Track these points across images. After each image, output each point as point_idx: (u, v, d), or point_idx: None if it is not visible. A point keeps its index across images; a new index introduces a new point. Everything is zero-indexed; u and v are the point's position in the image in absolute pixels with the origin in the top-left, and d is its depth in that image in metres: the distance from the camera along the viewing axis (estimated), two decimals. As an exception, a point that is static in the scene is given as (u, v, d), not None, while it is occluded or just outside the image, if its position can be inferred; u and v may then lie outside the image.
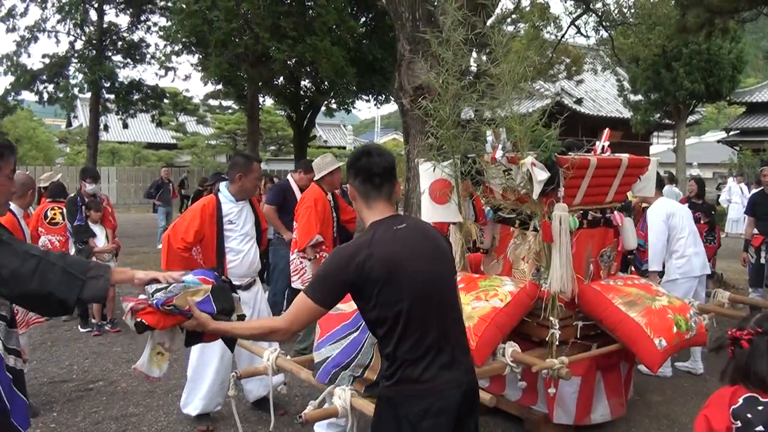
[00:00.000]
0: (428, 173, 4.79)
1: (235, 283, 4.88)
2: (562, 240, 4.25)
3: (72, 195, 8.16)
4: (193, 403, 5.03)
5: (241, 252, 4.98)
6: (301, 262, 6.51)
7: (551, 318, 4.36)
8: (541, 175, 4.15)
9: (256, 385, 5.12)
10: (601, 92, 31.75)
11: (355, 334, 3.58)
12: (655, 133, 35.04)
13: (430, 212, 4.82)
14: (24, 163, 26.91)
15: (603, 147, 4.85)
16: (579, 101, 28.65)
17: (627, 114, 28.21)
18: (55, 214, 8.09)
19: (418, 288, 2.57)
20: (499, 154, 4.38)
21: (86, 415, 5.27)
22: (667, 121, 27.50)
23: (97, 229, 7.89)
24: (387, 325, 2.57)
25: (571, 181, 4.34)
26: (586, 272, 4.70)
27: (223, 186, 5.06)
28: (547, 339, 4.36)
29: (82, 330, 7.73)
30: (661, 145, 38.71)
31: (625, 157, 4.74)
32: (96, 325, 7.81)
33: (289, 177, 7.48)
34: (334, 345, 3.69)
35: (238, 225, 4.97)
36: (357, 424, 3.47)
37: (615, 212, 4.84)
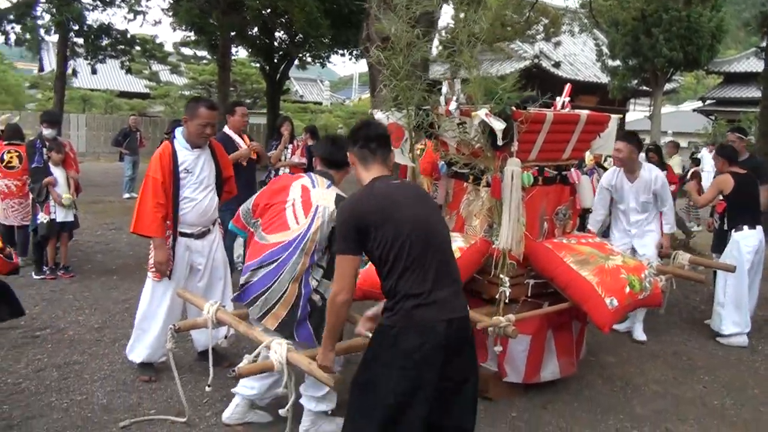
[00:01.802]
0: (383, 122, 4.65)
1: (186, 231, 4.78)
2: (513, 196, 4.14)
3: (32, 138, 7.92)
4: (137, 350, 4.93)
5: (195, 200, 4.77)
6: None
7: (501, 276, 4.29)
8: (499, 124, 4.03)
9: (205, 334, 5.00)
10: (579, 56, 31.49)
11: (273, 266, 3.81)
12: (633, 100, 34.99)
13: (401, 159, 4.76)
14: (-9, 107, 26.23)
15: (563, 103, 4.73)
16: (557, 65, 28.43)
17: (605, 79, 28.04)
18: (11, 157, 7.88)
19: (414, 229, 2.95)
20: (452, 106, 4.25)
21: (29, 362, 5.14)
22: (644, 88, 27.44)
23: (57, 171, 7.66)
24: (390, 262, 2.93)
25: (526, 136, 4.22)
26: (539, 230, 4.62)
27: (178, 132, 4.82)
28: (497, 297, 4.29)
29: (35, 277, 7.55)
30: (637, 113, 38.68)
31: (584, 113, 4.62)
32: (50, 268, 7.66)
33: (225, 128, 7.05)
34: (257, 270, 3.86)
35: (193, 174, 4.76)
36: (292, 378, 3.41)
37: (572, 169, 4.74)
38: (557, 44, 23.41)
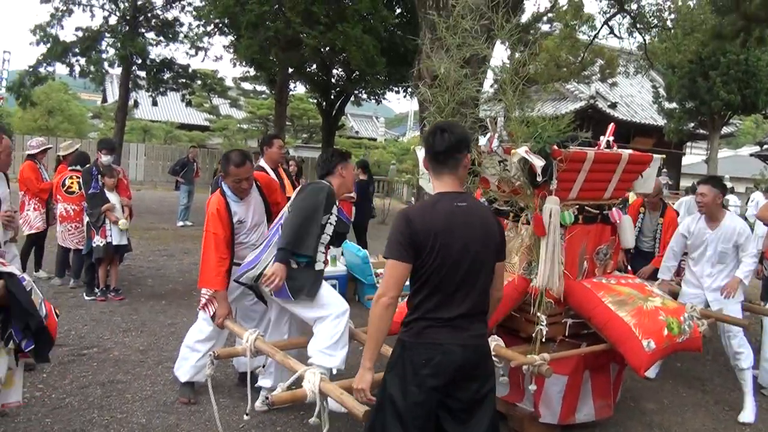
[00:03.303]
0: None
1: (239, 261, 4.91)
2: (551, 234, 4.14)
3: (88, 165, 8.23)
4: (183, 368, 5.06)
5: (247, 242, 4.99)
6: None
7: (539, 314, 4.27)
8: (540, 161, 4.05)
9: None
10: (636, 98, 31.27)
11: (257, 251, 4.60)
12: (689, 144, 34.46)
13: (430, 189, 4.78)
14: (55, 135, 27.15)
15: (608, 142, 4.73)
16: (613, 105, 28.25)
17: (661, 122, 27.76)
18: (72, 183, 8.21)
19: (460, 260, 2.93)
20: (495, 143, 4.29)
21: (74, 378, 5.31)
22: (701, 131, 27.05)
23: (112, 196, 7.94)
24: (420, 281, 2.96)
25: (566, 175, 4.23)
26: (579, 269, 4.59)
27: (224, 185, 4.94)
28: (533, 335, 4.27)
29: (86, 298, 7.79)
30: (694, 156, 38.08)
31: (625, 152, 4.60)
32: (101, 290, 7.90)
33: (261, 161, 6.41)
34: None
35: (246, 223, 4.97)
36: (326, 409, 3.44)
37: (613, 209, 4.72)
38: (613, 85, 23.30)
